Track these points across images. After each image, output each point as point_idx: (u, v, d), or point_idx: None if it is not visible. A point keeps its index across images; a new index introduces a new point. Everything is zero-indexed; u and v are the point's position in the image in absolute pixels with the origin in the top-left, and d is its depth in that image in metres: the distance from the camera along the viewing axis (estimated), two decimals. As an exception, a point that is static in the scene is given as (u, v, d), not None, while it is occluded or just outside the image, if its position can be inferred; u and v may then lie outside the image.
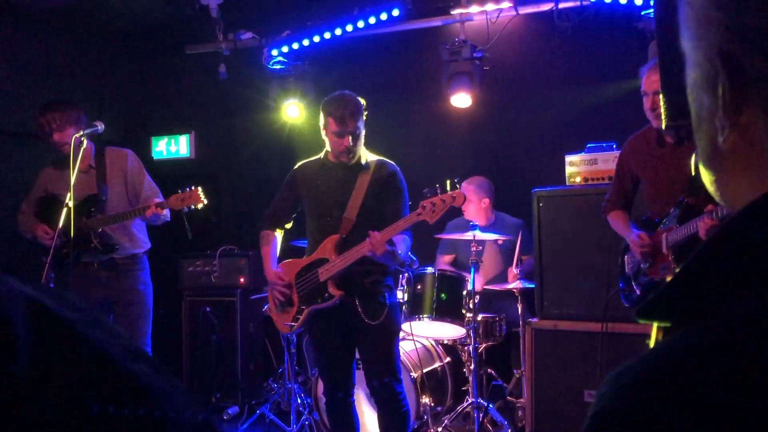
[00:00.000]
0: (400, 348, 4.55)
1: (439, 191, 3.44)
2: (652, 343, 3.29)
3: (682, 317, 0.56)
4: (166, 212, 4.36)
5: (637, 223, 3.59)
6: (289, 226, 3.97)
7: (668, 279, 0.66)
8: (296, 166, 3.95)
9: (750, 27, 0.58)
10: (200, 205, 4.26)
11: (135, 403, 0.53)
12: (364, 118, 3.72)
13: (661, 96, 2.85)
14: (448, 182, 3.45)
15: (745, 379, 0.48)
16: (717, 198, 0.67)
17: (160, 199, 4.39)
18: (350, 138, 3.64)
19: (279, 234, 3.95)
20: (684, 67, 0.66)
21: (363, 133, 3.71)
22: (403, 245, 3.62)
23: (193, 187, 4.28)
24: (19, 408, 0.48)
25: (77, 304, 0.57)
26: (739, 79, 0.59)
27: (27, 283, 0.55)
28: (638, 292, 3.55)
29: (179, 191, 4.30)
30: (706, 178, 0.67)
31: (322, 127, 3.75)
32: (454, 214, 5.36)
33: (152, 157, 6.46)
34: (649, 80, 3.38)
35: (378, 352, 3.70)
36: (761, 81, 0.58)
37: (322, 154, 3.85)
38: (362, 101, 3.75)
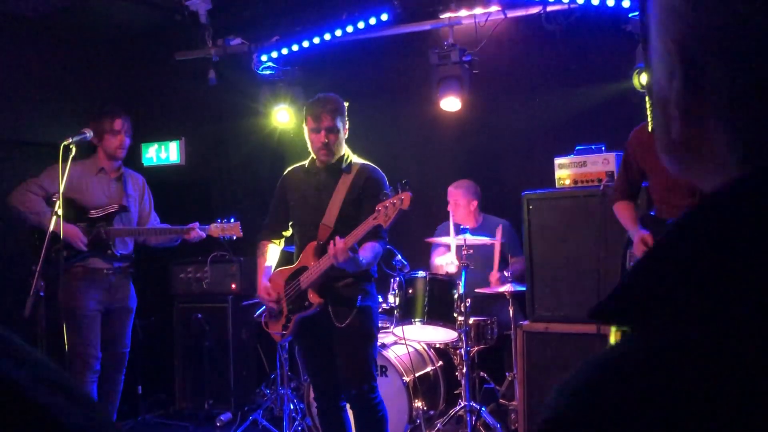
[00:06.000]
0: (390, 352, 4.56)
1: (392, 194, 3.34)
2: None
3: (636, 318, 0.52)
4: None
5: (644, 220, 3.54)
6: (287, 233, 3.91)
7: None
8: (284, 173, 3.94)
9: (709, 26, 0.54)
10: (236, 237, 4.66)
11: None
12: (346, 118, 3.68)
13: (647, 98, 2.84)
14: (397, 184, 3.33)
15: (697, 383, 0.45)
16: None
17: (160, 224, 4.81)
18: (325, 133, 3.60)
19: (276, 243, 3.91)
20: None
21: (342, 132, 3.67)
22: (369, 252, 3.53)
23: (233, 219, 4.67)
24: None
25: None
26: (693, 79, 0.56)
27: None
28: None
29: (218, 220, 4.66)
30: (668, 164, 0.63)
31: (305, 129, 3.74)
32: (444, 217, 5.37)
33: (142, 164, 6.43)
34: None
35: (349, 357, 3.62)
36: (716, 87, 0.54)
37: (307, 161, 3.83)
38: (345, 102, 3.72)
